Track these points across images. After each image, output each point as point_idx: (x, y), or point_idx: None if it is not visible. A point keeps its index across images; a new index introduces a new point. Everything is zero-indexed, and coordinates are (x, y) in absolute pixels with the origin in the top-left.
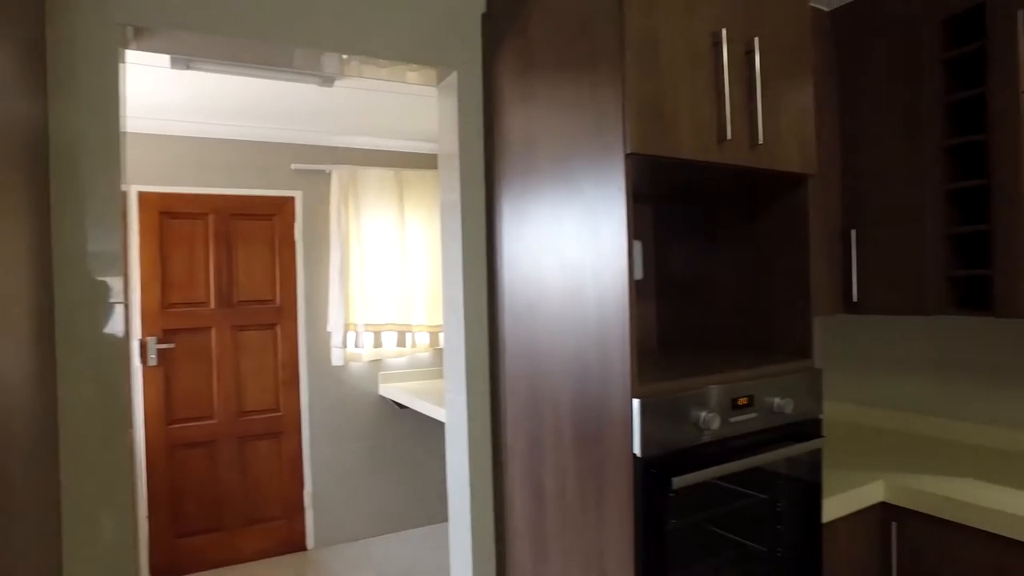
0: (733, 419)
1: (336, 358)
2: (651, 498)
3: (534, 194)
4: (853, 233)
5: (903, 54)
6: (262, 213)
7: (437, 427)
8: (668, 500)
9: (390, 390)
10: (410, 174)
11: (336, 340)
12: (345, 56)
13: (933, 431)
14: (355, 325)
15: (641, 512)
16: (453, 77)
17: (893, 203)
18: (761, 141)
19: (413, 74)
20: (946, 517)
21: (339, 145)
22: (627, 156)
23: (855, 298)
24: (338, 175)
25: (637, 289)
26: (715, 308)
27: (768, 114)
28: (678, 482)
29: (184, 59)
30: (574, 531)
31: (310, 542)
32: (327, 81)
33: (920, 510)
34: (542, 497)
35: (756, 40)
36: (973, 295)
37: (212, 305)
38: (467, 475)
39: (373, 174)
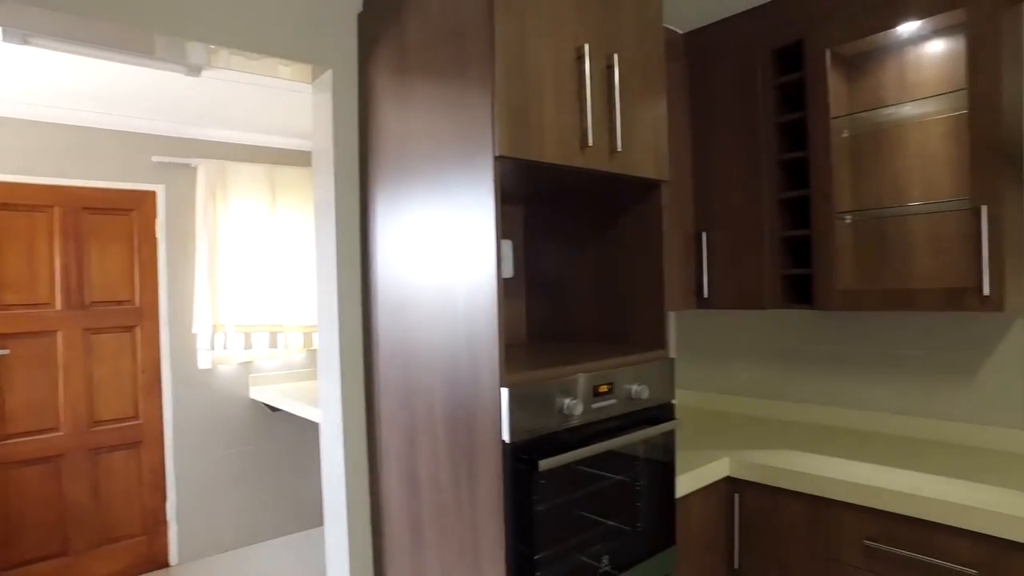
0: (595, 405)
1: (203, 361)
2: (519, 481)
3: (407, 194)
4: (704, 235)
5: (742, 77)
6: (119, 207)
7: (312, 429)
8: (536, 483)
9: (262, 393)
10: (284, 171)
11: (203, 342)
12: (212, 46)
13: (770, 412)
14: (223, 326)
15: (511, 495)
16: (328, 75)
17: (736, 209)
18: (619, 149)
19: (287, 69)
20: (776, 484)
21: (207, 138)
22: (496, 159)
23: (706, 294)
24: (205, 170)
25: (508, 286)
26: (581, 304)
27: (626, 124)
28: (544, 465)
29: (20, 33)
30: (449, 516)
31: (173, 558)
32: (194, 70)
33: (757, 480)
34: (417, 486)
35: (615, 56)
36: (800, 291)
37: (58, 307)
38: (343, 472)
39: (244, 170)
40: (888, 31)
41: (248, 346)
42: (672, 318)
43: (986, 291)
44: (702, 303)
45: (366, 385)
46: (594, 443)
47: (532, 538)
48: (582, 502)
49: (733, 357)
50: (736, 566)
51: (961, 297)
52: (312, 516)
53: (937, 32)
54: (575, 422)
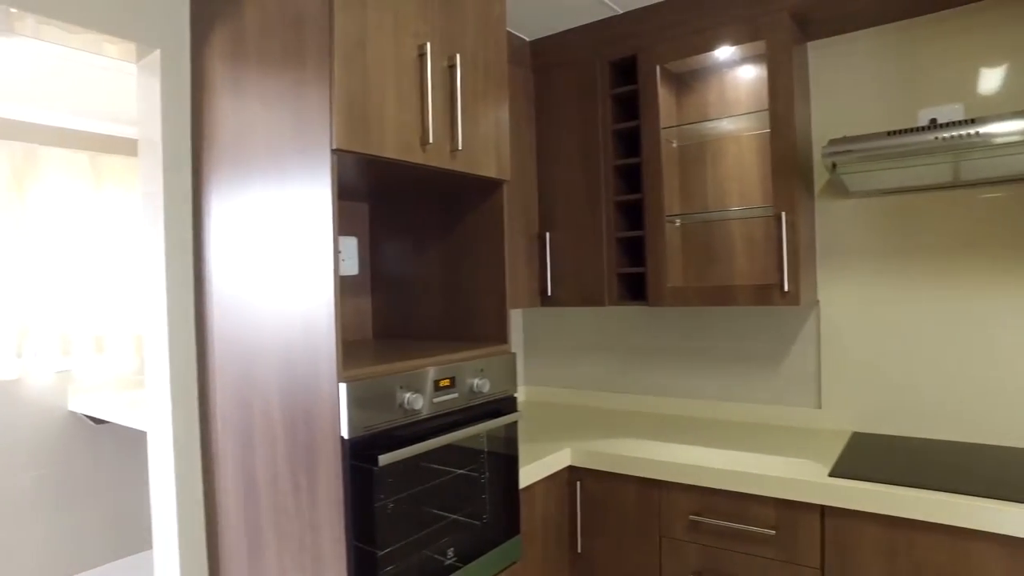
0: (437, 399)
1: (6, 371)
2: (360, 478)
3: (244, 186)
4: (547, 236)
5: (583, 86)
6: None
7: (142, 441)
8: (376, 479)
9: (83, 403)
10: (111, 160)
11: (6, 350)
12: (14, 10)
13: (613, 404)
14: (32, 330)
15: (351, 492)
16: (155, 56)
17: (578, 211)
18: (460, 147)
19: (112, 47)
20: (613, 470)
21: (8, 117)
22: (333, 151)
23: (550, 293)
24: (8, 154)
25: (354, 284)
26: (428, 301)
27: (467, 124)
28: (384, 460)
29: None
30: (288, 519)
31: None
32: None
33: (596, 468)
34: (255, 491)
35: (458, 56)
36: (635, 289)
37: None
38: (173, 483)
39: (60, 156)
40: (708, 53)
41: (67, 352)
42: (519, 316)
43: (786, 287)
44: (546, 301)
45: (200, 387)
46: (436, 437)
47: (375, 535)
48: (427, 497)
49: (580, 353)
50: (579, 550)
51: (768, 293)
52: (144, 537)
53: (748, 59)
54: (417, 417)
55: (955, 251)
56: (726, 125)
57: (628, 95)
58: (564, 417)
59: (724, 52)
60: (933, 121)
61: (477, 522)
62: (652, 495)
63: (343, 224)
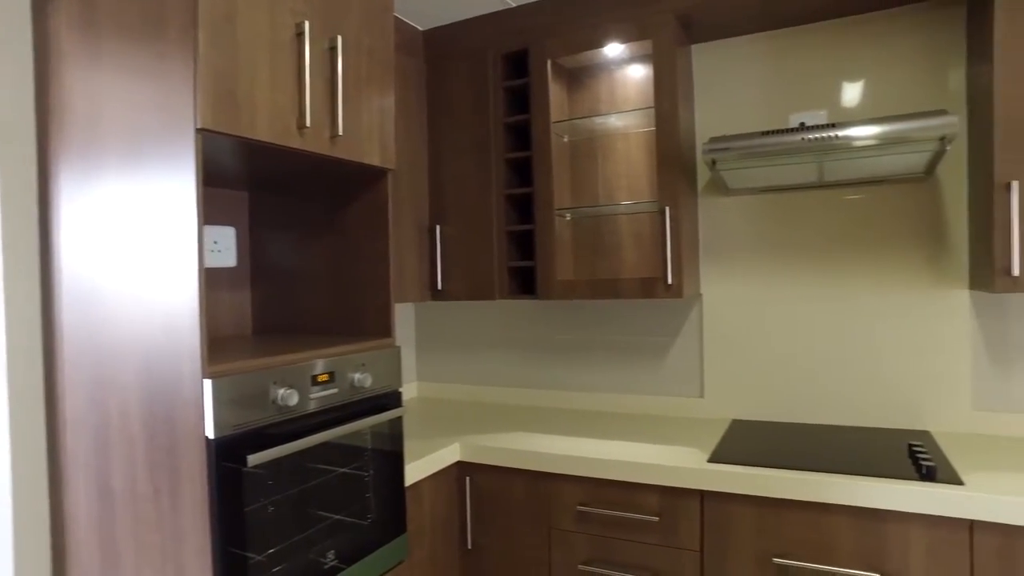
0: (315, 395)
1: None
2: (227, 481)
3: (99, 170)
4: (438, 228)
5: (476, 78)
6: None
7: None
8: (247, 480)
9: None
10: None
11: None
12: None
13: (507, 398)
14: None
15: (218, 496)
16: None
17: (469, 203)
18: (341, 133)
19: None
20: (503, 464)
21: None
22: (198, 131)
23: (440, 286)
24: None
25: (231, 276)
26: (312, 294)
27: (349, 109)
28: (254, 460)
29: None
30: (148, 528)
31: None
32: None
33: (485, 463)
34: (111, 500)
35: (340, 39)
36: (526, 282)
37: None
38: (9, 497)
39: None
40: (598, 50)
41: None
42: (411, 310)
43: (670, 281)
44: (437, 295)
45: (47, 388)
46: (313, 435)
47: (246, 540)
48: (309, 497)
49: (473, 348)
50: (469, 545)
51: (652, 286)
52: None
53: (636, 58)
54: (292, 413)
55: (825, 247)
56: (615, 121)
57: (520, 88)
58: (456, 413)
59: (613, 50)
60: (802, 124)
61: (362, 521)
62: (541, 488)
63: (219, 213)
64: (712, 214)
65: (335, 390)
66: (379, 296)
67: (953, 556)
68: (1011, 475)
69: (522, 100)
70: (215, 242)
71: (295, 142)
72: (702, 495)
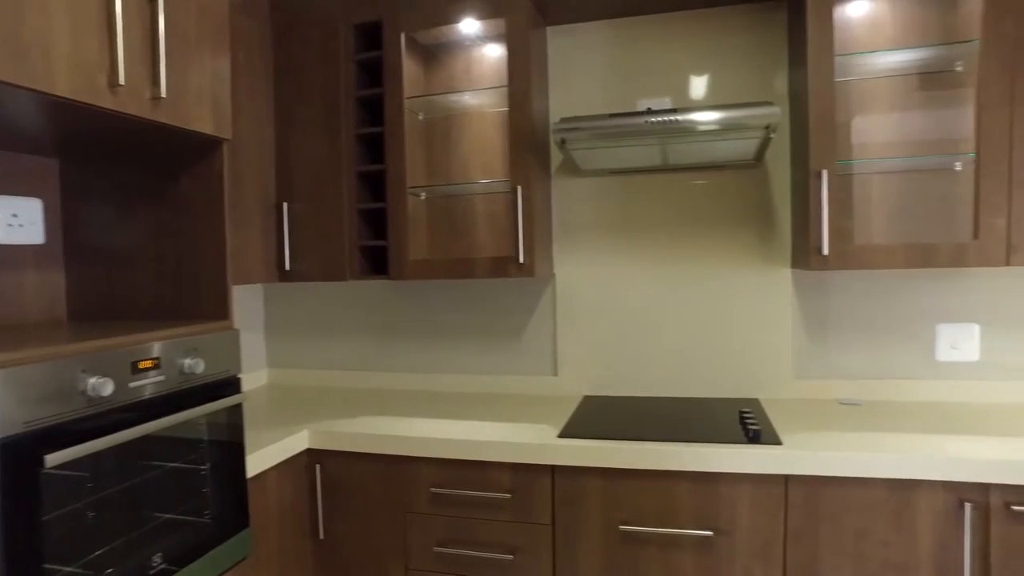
0: (135, 384)
1: None
2: (20, 484)
3: None
4: (285, 206)
5: (327, 48)
6: None
7: None
8: (46, 483)
9: None
10: None
11: None
12: None
13: (363, 383)
14: None
15: (9, 502)
16: None
17: (318, 180)
18: (164, 95)
19: None
20: (355, 450)
21: None
22: None
23: (288, 267)
24: None
25: (38, 254)
26: (135, 275)
27: (174, 70)
28: (53, 460)
29: None
30: None
31: None
32: None
33: (336, 448)
34: None
35: None
36: (378, 262)
37: None
38: None
39: None
40: (453, 26)
41: None
42: (259, 293)
43: (521, 260)
44: (285, 276)
45: None
46: (131, 428)
47: (44, 551)
48: (132, 497)
49: (328, 332)
50: (321, 536)
51: (504, 265)
52: None
53: (492, 37)
54: (106, 405)
55: (669, 229)
56: (471, 100)
57: (373, 62)
58: (308, 399)
59: (469, 26)
60: (649, 109)
61: (198, 519)
62: (395, 472)
63: (19, 183)
64: (565, 195)
65: (161, 378)
66: (215, 276)
67: (771, 507)
68: (821, 434)
69: (375, 74)
70: (14, 215)
71: (106, 101)
72: (553, 470)
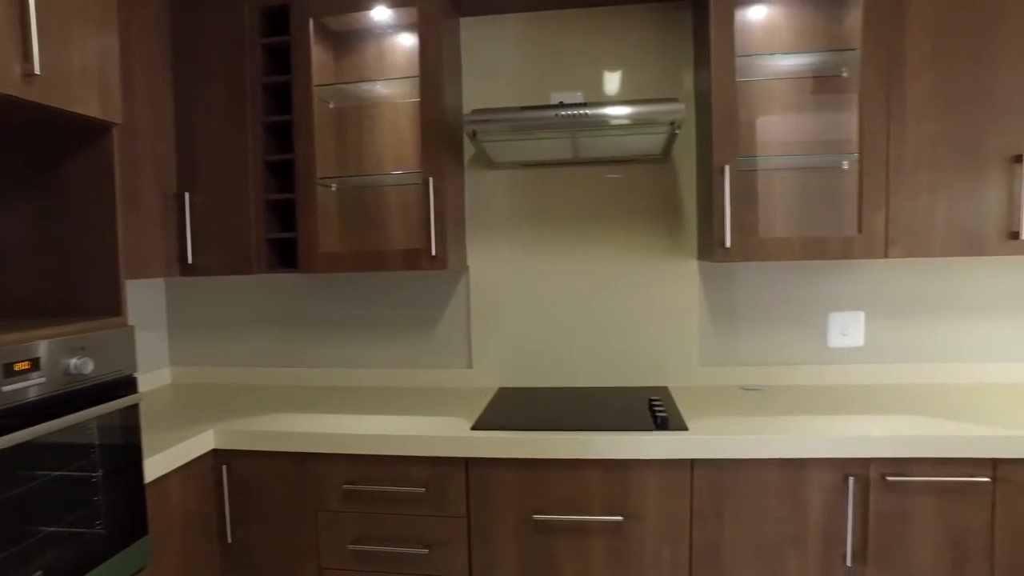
0: (10, 387)
1: None
2: None
3: None
4: (188, 196)
5: (232, 31)
6: None
7: None
8: None
9: None
10: None
11: None
12: None
13: (273, 379)
14: None
15: None
16: None
17: (223, 169)
18: (38, 71)
19: None
20: (264, 449)
21: None
22: None
23: (191, 260)
24: None
25: None
26: (13, 269)
27: (51, 44)
28: None
29: None
30: None
31: None
32: None
33: (245, 448)
34: None
35: None
36: (287, 255)
37: None
38: None
39: None
40: (364, 13)
41: None
42: (160, 288)
43: (434, 252)
44: (187, 270)
45: None
46: (5, 435)
47: None
48: (11, 510)
49: (237, 328)
50: (229, 539)
51: (416, 257)
52: None
53: (404, 26)
54: None
55: (581, 222)
56: (383, 90)
57: (281, 47)
58: (215, 398)
59: (381, 14)
60: (561, 103)
61: (89, 530)
62: (306, 470)
63: None
64: (478, 187)
65: (42, 380)
66: (106, 270)
67: (678, 491)
68: (724, 418)
69: (284, 60)
70: None
71: None
72: (467, 462)
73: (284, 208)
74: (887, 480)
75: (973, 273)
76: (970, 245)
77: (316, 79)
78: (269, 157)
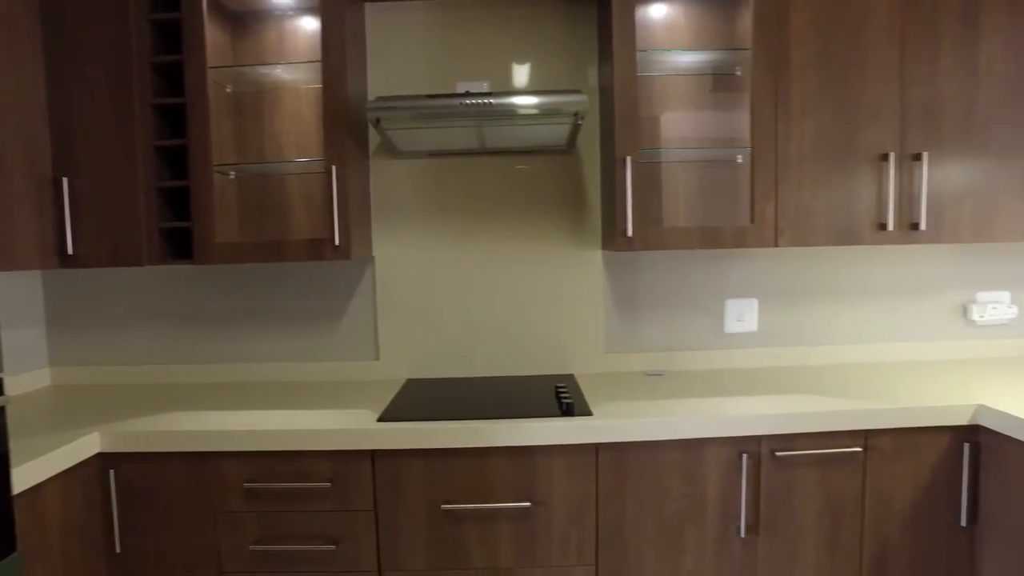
0: None
1: None
2: None
3: None
4: (65, 182)
5: (114, 5)
6: None
7: None
8: None
9: None
10: None
11: None
12: None
13: (166, 377)
14: None
15: None
16: None
17: (106, 153)
18: None
19: None
20: (156, 450)
21: None
22: None
23: (71, 251)
24: None
25: None
26: None
27: None
28: None
29: None
30: None
31: None
32: None
33: (134, 450)
34: None
35: None
36: (181, 245)
37: None
38: None
39: None
40: None
41: None
42: (36, 281)
43: (337, 242)
44: (67, 262)
45: None
46: None
47: None
48: None
49: (125, 323)
50: (118, 549)
51: (319, 248)
52: None
53: (305, 8)
54: None
55: (490, 211)
56: (284, 75)
57: (171, 25)
58: (101, 399)
59: None
60: (467, 92)
61: None
62: (203, 470)
63: None
64: (384, 176)
65: None
66: None
67: (584, 475)
68: (627, 403)
69: (175, 39)
70: None
71: None
72: (373, 455)
73: (179, 196)
74: (776, 455)
75: (852, 261)
76: (847, 235)
77: (211, 60)
78: (160, 142)
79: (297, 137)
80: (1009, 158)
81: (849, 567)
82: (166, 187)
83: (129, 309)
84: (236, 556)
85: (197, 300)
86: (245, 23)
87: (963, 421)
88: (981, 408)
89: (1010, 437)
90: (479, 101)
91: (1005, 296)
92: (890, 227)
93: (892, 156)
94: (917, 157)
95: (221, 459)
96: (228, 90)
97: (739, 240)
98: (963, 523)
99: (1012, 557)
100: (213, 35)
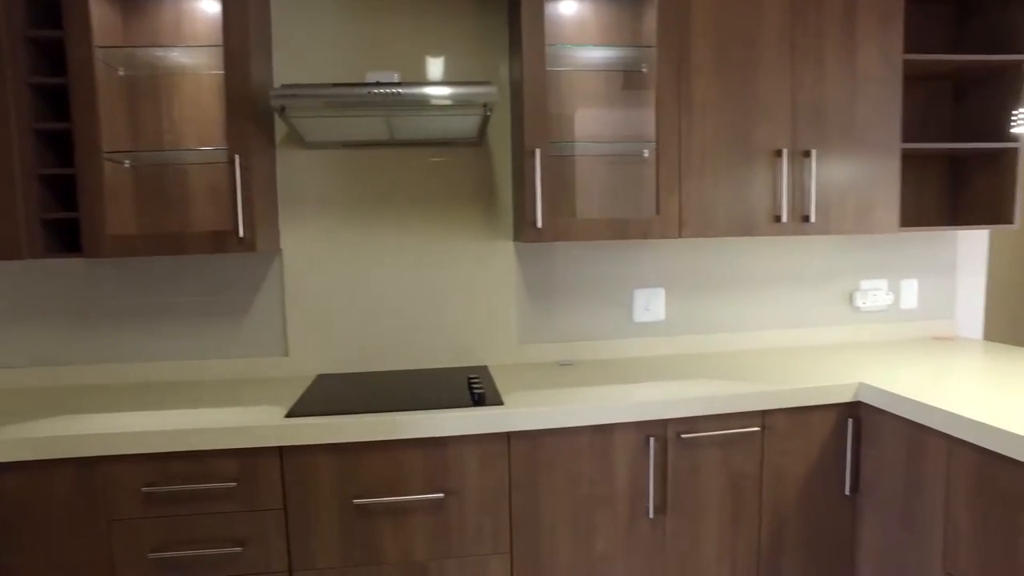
0: None
1: None
2: None
3: None
4: None
5: None
6: None
7: None
8: None
9: None
10: None
11: None
12: None
13: (52, 380)
14: None
15: None
16: None
17: None
18: None
19: None
20: (39, 458)
21: None
22: None
23: None
24: None
25: None
26: None
27: None
28: None
29: None
30: None
31: None
32: None
33: (13, 459)
34: None
35: None
36: (69, 238)
37: None
38: None
39: None
40: None
41: None
42: None
43: (242, 234)
44: None
45: None
46: None
47: None
48: None
49: (7, 322)
50: None
51: (223, 240)
52: None
53: None
54: None
55: (401, 204)
56: (183, 59)
57: None
58: None
59: None
60: (377, 82)
61: None
62: (94, 476)
63: None
64: (291, 167)
65: None
66: None
67: (497, 464)
68: (539, 392)
69: (55, 12)
70: None
71: None
72: (281, 452)
73: (68, 186)
74: (681, 437)
75: (750, 251)
76: (745, 227)
77: (100, 40)
78: (40, 125)
79: (198, 125)
80: (883, 156)
81: (749, 540)
82: (50, 175)
83: (10, 306)
84: (133, 566)
85: (91, 296)
86: (137, 2)
87: (847, 398)
88: (862, 386)
89: (886, 411)
90: (387, 91)
91: (883, 284)
92: (784, 219)
93: (785, 152)
94: (807, 154)
95: (116, 463)
96: (120, 73)
97: (645, 231)
98: (847, 492)
99: (887, 519)
100: (101, 12)
